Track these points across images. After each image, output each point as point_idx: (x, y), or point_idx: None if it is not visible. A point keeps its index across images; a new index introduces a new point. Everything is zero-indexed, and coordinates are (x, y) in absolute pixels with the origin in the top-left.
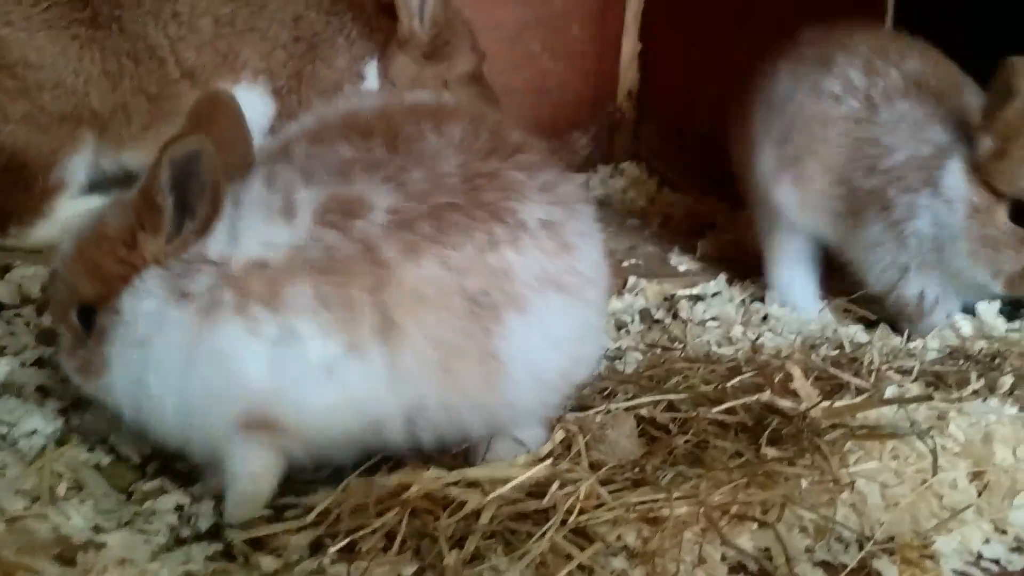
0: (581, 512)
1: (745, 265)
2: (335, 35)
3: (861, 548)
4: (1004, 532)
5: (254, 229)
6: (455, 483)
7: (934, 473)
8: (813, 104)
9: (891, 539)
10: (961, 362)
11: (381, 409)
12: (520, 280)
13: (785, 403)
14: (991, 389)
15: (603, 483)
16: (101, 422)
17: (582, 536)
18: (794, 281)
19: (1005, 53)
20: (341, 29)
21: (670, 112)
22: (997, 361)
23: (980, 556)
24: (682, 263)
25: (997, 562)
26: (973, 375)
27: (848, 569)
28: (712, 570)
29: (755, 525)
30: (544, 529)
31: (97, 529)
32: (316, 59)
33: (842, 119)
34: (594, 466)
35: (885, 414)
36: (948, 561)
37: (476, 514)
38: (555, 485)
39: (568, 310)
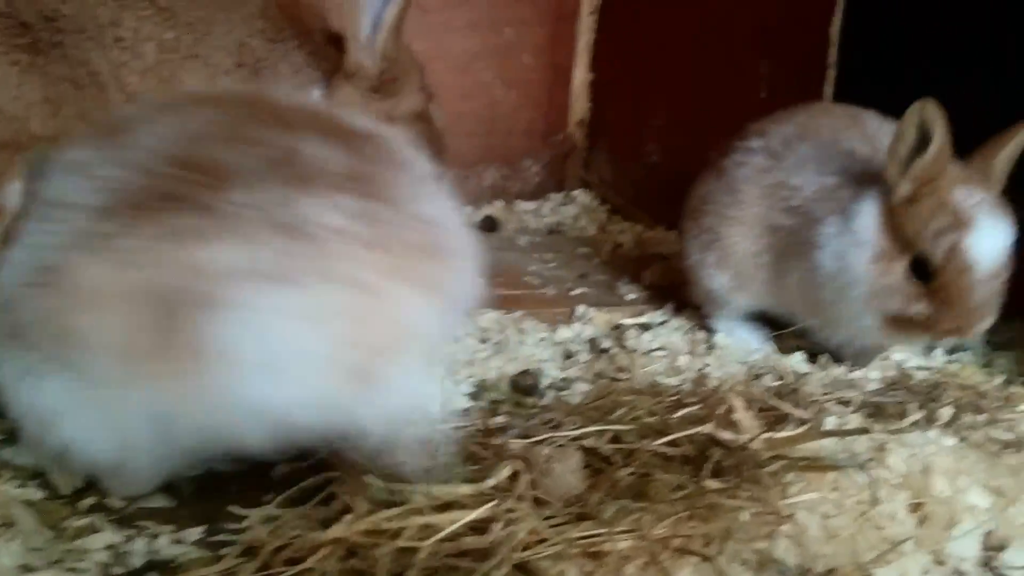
0: (524, 548)
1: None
2: (279, 62)
3: None
4: (942, 563)
5: None
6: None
7: (873, 505)
8: (720, 185)
9: (831, 571)
10: (901, 393)
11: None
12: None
13: (727, 435)
14: (930, 420)
15: (546, 518)
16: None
17: (524, 573)
18: (735, 331)
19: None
20: (285, 56)
21: (621, 141)
22: (936, 392)
23: None
24: (631, 292)
25: None
26: (912, 406)
27: None
28: None
29: (697, 558)
30: (486, 569)
31: (26, 568)
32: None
33: (750, 177)
34: (538, 501)
35: (825, 445)
36: None
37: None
38: (500, 524)
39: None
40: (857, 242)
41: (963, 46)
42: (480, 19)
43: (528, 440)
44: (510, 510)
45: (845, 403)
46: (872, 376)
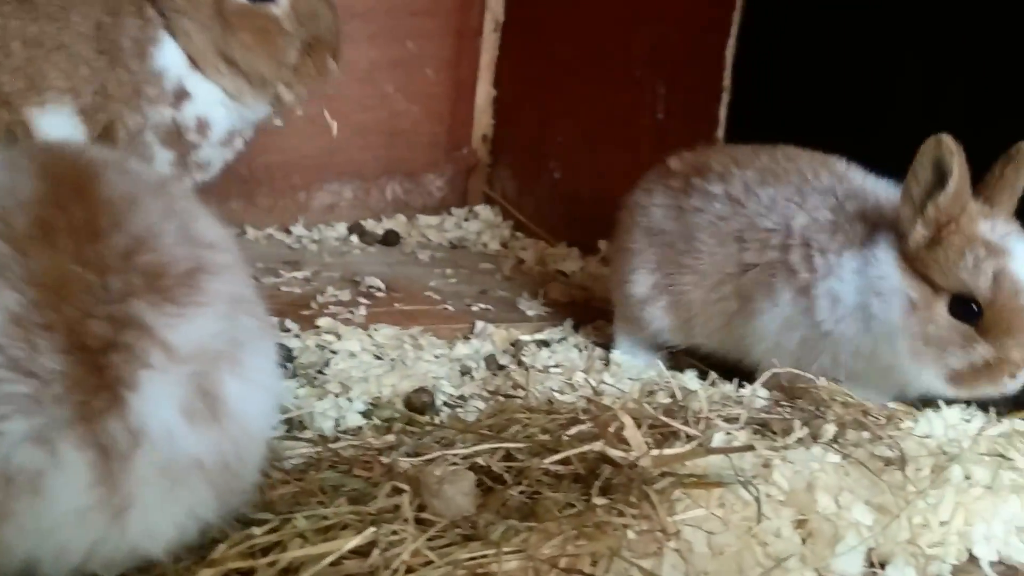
0: (409, 571)
1: (592, 310)
2: (121, 35)
3: None
4: None
5: None
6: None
7: (758, 521)
8: (678, 224)
9: None
10: (787, 410)
11: None
12: None
13: (616, 452)
14: (815, 437)
15: (432, 539)
16: None
17: None
18: (633, 349)
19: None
20: (125, 28)
21: (524, 158)
22: (821, 409)
23: None
24: (531, 308)
25: None
26: (797, 423)
27: None
28: None
29: None
30: None
31: None
32: (116, 67)
33: (707, 225)
34: (425, 523)
35: (713, 462)
36: None
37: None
38: (380, 548)
39: None
40: (881, 292)
41: (857, 70)
42: (382, 31)
43: (420, 459)
44: (394, 532)
45: (733, 420)
46: (760, 393)
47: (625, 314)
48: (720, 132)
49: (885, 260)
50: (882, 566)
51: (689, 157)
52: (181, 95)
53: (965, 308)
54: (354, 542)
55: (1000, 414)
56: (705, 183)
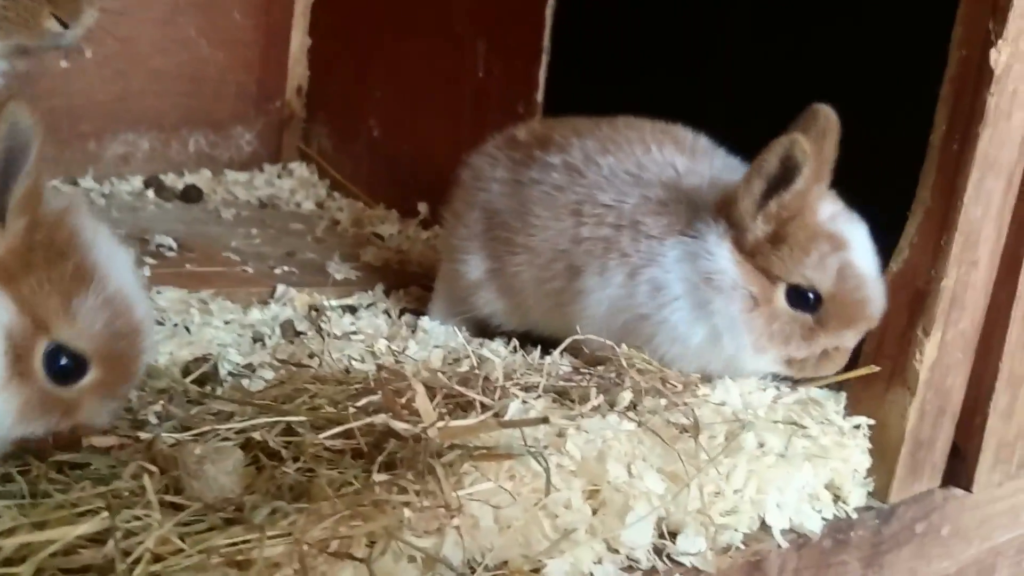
0: (157, 560)
1: (407, 275)
2: None
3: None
4: (616, 551)
5: None
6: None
7: (547, 493)
8: (513, 201)
9: (504, 563)
10: (587, 378)
11: None
12: None
13: (401, 425)
14: (611, 405)
15: (188, 524)
16: None
17: None
18: (449, 324)
19: None
20: None
21: (341, 113)
22: (621, 377)
23: None
24: (340, 272)
25: None
26: (594, 391)
27: None
28: None
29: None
30: None
31: None
32: None
33: (543, 197)
34: (177, 506)
35: (504, 433)
36: None
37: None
38: (117, 535)
39: None
40: (719, 290)
41: (680, 34)
42: None
43: (188, 434)
44: (137, 517)
45: (532, 388)
46: (560, 361)
47: (452, 295)
48: (540, 96)
49: (719, 255)
50: (673, 536)
51: (536, 128)
52: None
53: (803, 298)
54: (81, 528)
55: (796, 382)
56: (545, 155)
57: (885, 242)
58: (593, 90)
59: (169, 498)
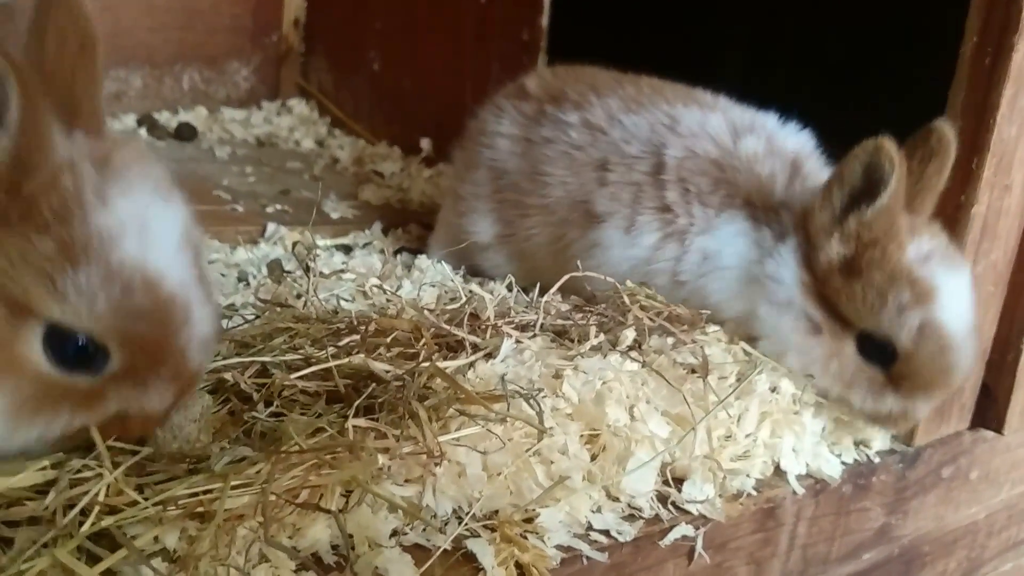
0: (112, 512)
1: (407, 213)
2: None
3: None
4: (616, 499)
5: None
6: None
7: (539, 438)
8: (524, 161)
9: (495, 513)
10: (588, 316)
11: None
12: None
13: (380, 366)
14: (613, 344)
15: (146, 474)
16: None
17: (104, 541)
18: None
19: None
20: None
21: (340, 47)
22: (624, 316)
23: (590, 527)
24: (337, 211)
25: (607, 533)
26: (593, 329)
27: (439, 551)
28: (277, 570)
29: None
30: (42, 540)
31: None
32: None
33: (559, 156)
34: (133, 455)
35: (496, 372)
36: (553, 536)
37: None
38: (60, 485)
39: None
40: (775, 302)
41: None
42: None
43: None
44: (86, 467)
45: (526, 328)
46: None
47: (455, 240)
48: (544, 20)
49: (785, 264)
50: (679, 483)
51: (548, 79)
52: None
53: (879, 351)
54: (19, 478)
55: None
56: (559, 111)
57: None
58: (598, 17)
59: (131, 447)
